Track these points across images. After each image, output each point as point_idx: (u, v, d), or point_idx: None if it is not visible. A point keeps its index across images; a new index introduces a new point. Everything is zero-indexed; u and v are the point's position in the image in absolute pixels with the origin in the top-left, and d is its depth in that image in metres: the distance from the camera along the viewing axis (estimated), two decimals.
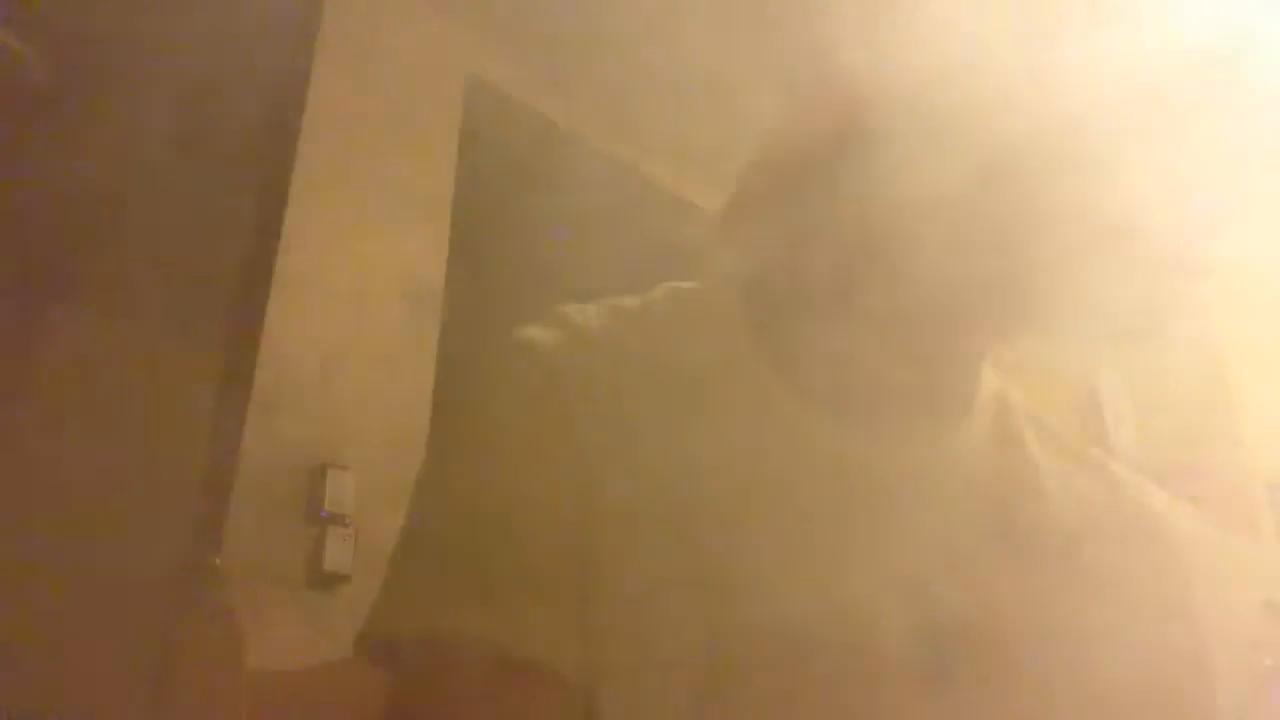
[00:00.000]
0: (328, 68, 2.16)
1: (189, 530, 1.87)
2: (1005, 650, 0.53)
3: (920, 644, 0.51)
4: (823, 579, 0.52)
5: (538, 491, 0.52)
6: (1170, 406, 3.28)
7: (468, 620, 0.49)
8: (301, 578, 1.82)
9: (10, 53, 2.45)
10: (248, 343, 1.91)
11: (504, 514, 0.51)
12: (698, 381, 0.56)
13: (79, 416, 3.42)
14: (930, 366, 0.57)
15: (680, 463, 0.53)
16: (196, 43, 2.40)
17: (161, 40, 2.40)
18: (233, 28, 2.32)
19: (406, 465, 0.73)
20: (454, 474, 0.54)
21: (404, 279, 2.17)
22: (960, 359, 0.59)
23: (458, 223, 2.31)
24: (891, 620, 0.51)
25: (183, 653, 0.71)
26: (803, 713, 0.49)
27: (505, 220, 2.95)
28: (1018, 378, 0.64)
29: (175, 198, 2.97)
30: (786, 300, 0.58)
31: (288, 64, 2.22)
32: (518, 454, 0.53)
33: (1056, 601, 0.55)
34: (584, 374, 0.55)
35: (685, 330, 0.59)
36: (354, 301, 2.06)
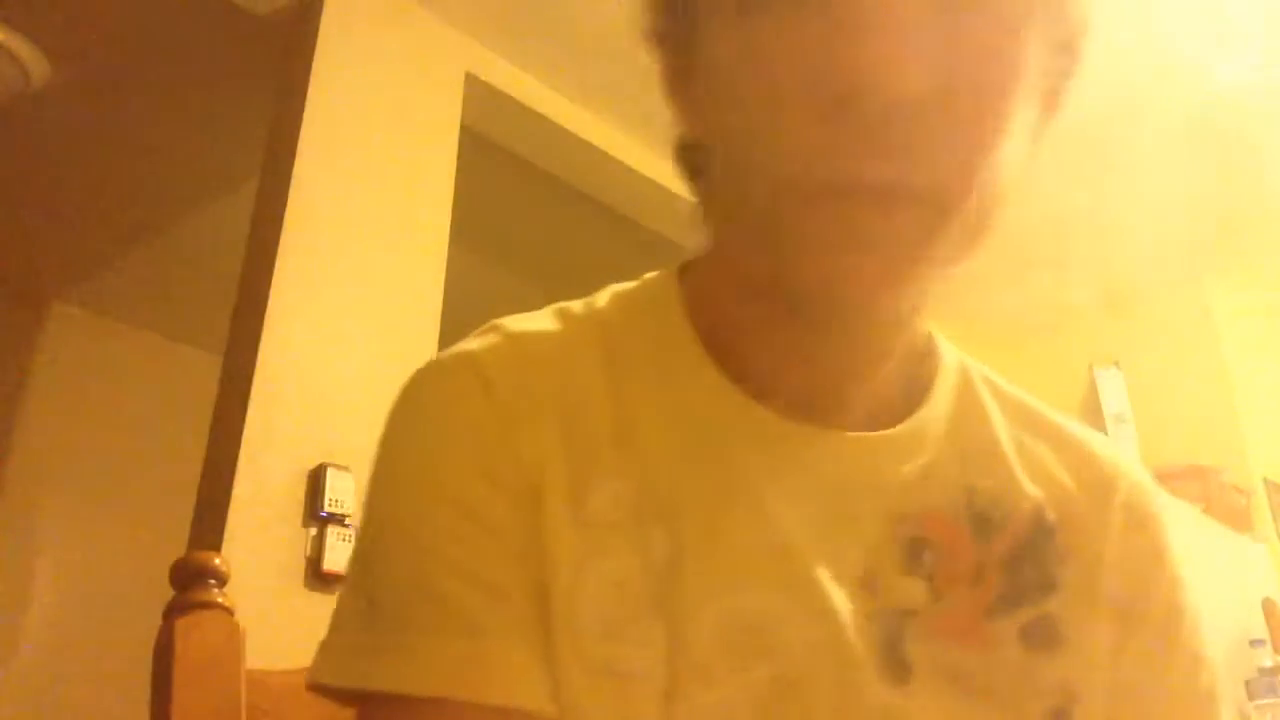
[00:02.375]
0: (328, 68, 2.16)
1: (189, 530, 1.88)
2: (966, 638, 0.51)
3: (877, 634, 0.49)
4: (781, 573, 0.50)
5: (484, 512, 0.49)
6: (1170, 407, 3.28)
7: (422, 668, 0.46)
8: (301, 578, 1.82)
9: (10, 53, 2.45)
10: (248, 343, 1.91)
11: (452, 535, 0.48)
12: (645, 382, 0.54)
13: (79, 416, 3.42)
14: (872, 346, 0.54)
15: (631, 466, 0.51)
16: (196, 43, 2.40)
17: (162, 40, 2.40)
18: (232, 28, 2.32)
19: None
20: (393, 500, 0.51)
21: (404, 279, 2.17)
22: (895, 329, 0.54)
23: (458, 222, 2.31)
24: (849, 613, 0.49)
25: (183, 652, 0.70)
26: (771, 709, 0.47)
27: (505, 220, 2.95)
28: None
29: (175, 197, 2.97)
30: (730, 287, 0.55)
31: (288, 63, 2.22)
32: (462, 475, 0.50)
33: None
34: (524, 385, 0.52)
35: (629, 331, 0.56)
36: (354, 301, 2.06)
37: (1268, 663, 2.71)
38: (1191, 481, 3.03)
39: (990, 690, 0.50)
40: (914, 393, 0.56)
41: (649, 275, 0.60)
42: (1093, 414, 2.98)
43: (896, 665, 0.49)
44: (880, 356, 0.54)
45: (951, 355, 0.60)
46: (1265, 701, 2.66)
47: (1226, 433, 3.37)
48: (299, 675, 0.80)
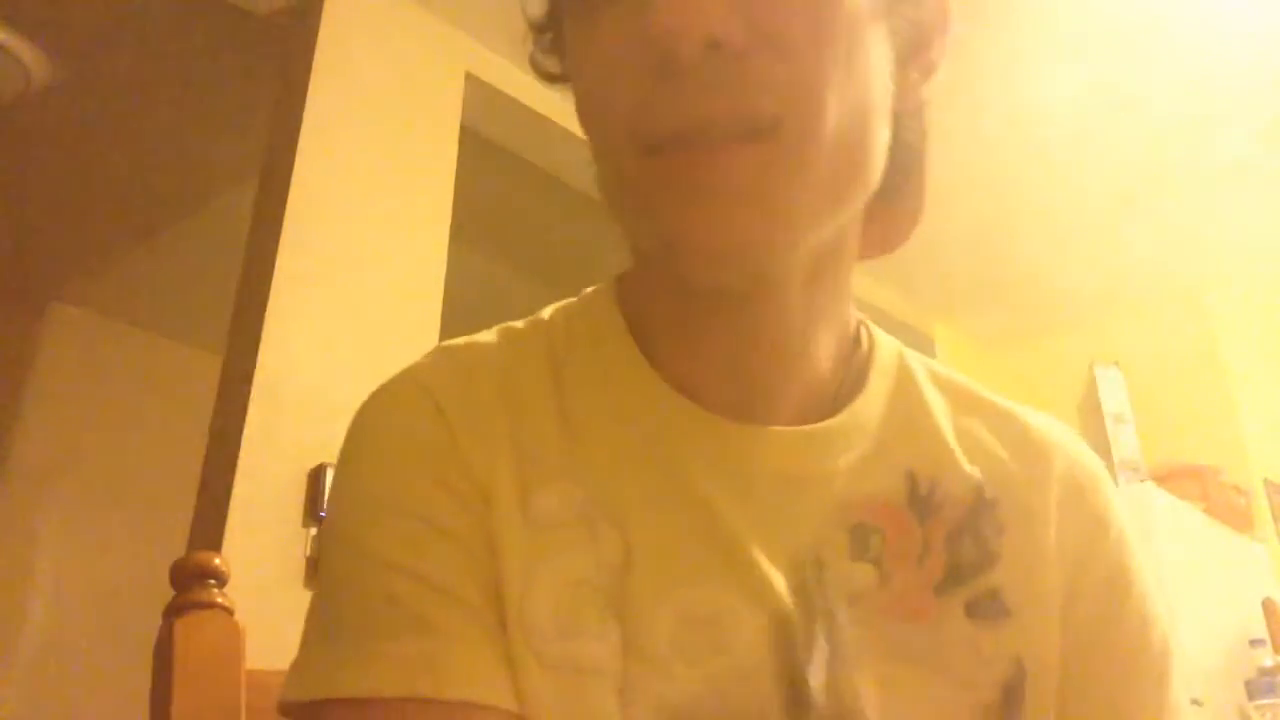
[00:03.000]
0: (328, 68, 2.16)
1: (189, 530, 1.88)
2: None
3: (825, 621, 0.51)
4: (730, 568, 0.50)
5: (438, 519, 0.50)
6: (1170, 407, 3.28)
7: (383, 671, 0.47)
8: (301, 578, 1.82)
9: (10, 53, 2.45)
10: (248, 343, 1.91)
11: (407, 543, 0.49)
12: (588, 387, 0.55)
13: (79, 416, 3.42)
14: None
15: (579, 469, 0.52)
16: (196, 43, 2.40)
17: (161, 40, 2.40)
18: (232, 28, 2.32)
19: None
20: (350, 517, 0.52)
21: (404, 279, 2.17)
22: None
23: (458, 222, 2.31)
24: (799, 602, 0.50)
25: (182, 653, 0.70)
26: (727, 699, 0.48)
27: (505, 220, 2.95)
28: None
29: (175, 197, 2.97)
30: (660, 295, 0.56)
31: (288, 63, 2.22)
32: (415, 485, 0.51)
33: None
34: (470, 397, 0.53)
35: (571, 340, 0.57)
36: (354, 301, 2.06)
37: (1268, 663, 2.71)
38: (1191, 481, 3.03)
39: (942, 665, 0.51)
40: (849, 385, 0.57)
41: (590, 289, 0.62)
42: (1093, 414, 2.98)
43: (848, 649, 0.50)
44: (804, 348, 0.55)
45: (888, 346, 0.61)
46: (1265, 701, 2.66)
47: (1226, 433, 3.37)
48: None
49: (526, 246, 3.13)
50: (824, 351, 0.56)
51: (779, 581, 0.50)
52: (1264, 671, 2.70)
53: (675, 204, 0.46)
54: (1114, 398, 2.92)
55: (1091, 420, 3.00)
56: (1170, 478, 2.96)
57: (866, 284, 3.04)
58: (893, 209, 0.60)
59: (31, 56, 2.48)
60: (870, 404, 0.57)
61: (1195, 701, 2.57)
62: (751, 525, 0.52)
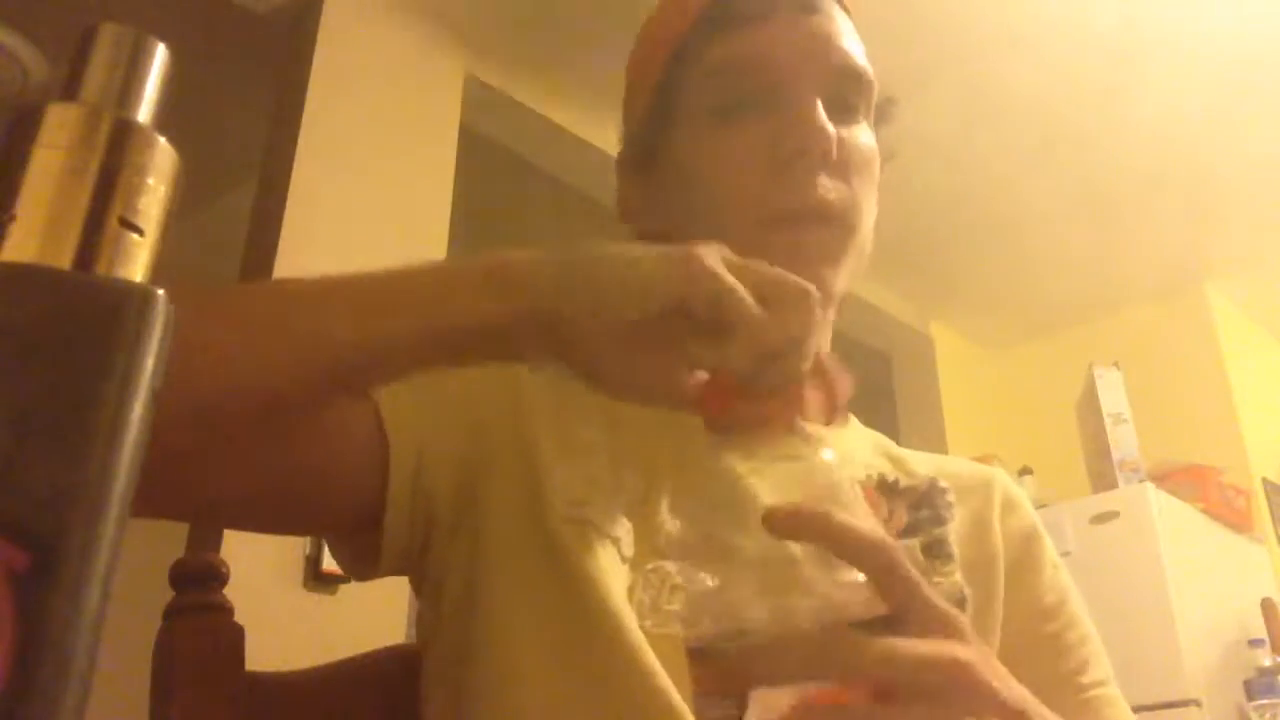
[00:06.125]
0: (328, 68, 2.16)
1: (188, 530, 1.87)
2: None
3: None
4: (738, 503, 0.63)
5: (469, 399, 0.68)
6: (1170, 407, 3.28)
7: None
8: (301, 578, 1.82)
9: (10, 53, 2.45)
10: None
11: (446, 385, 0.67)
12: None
13: None
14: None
15: (613, 433, 0.70)
16: (196, 43, 2.40)
17: (161, 40, 2.40)
18: (232, 27, 2.32)
19: None
20: None
21: None
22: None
23: (457, 223, 2.31)
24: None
25: (183, 653, 0.70)
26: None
27: (505, 220, 2.95)
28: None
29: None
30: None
31: (288, 63, 2.23)
32: (470, 381, 0.69)
33: None
34: (525, 380, 0.71)
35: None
36: None
37: (1267, 663, 2.71)
38: (1191, 481, 3.03)
39: None
40: (834, 405, 0.77)
41: None
42: (1092, 414, 2.98)
43: (830, 561, 0.62)
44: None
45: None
46: (1265, 701, 2.66)
47: (1226, 433, 3.37)
48: (299, 675, 0.80)
49: (525, 246, 3.13)
50: (821, 365, 0.73)
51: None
52: (1263, 671, 2.70)
53: (781, 260, 0.62)
54: (1113, 398, 2.91)
55: (1091, 420, 3.00)
56: (1170, 478, 2.96)
57: (867, 284, 3.04)
58: None
59: (29, 56, 2.48)
60: (850, 429, 0.79)
61: (1194, 702, 2.57)
62: (758, 482, 0.64)
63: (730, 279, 0.54)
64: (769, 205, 0.68)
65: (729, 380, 0.57)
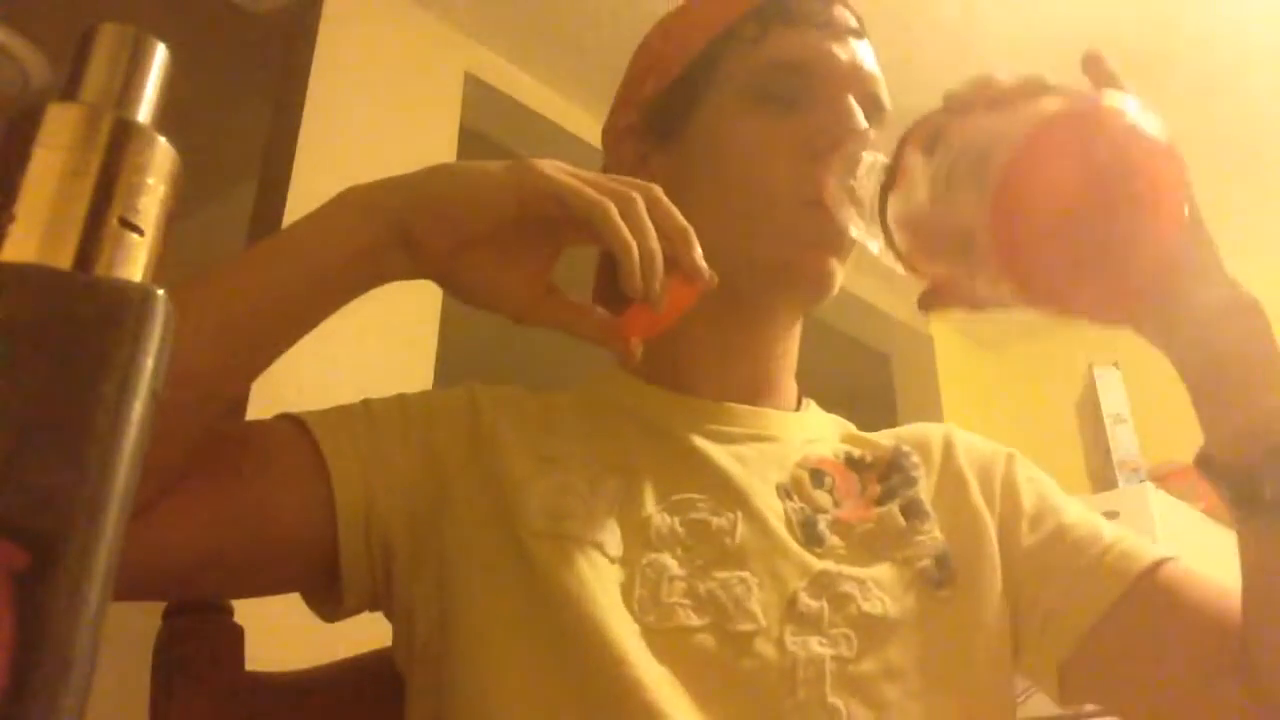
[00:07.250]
0: (328, 68, 2.16)
1: None
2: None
3: (798, 522, 0.73)
4: (722, 488, 0.72)
5: (418, 431, 0.73)
6: (1170, 407, 3.27)
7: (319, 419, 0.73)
8: None
9: (10, 53, 2.45)
10: None
11: (392, 413, 0.74)
12: (603, 406, 0.79)
13: None
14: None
15: (590, 441, 0.74)
16: (195, 42, 2.40)
17: (161, 40, 2.40)
18: (232, 27, 2.32)
19: None
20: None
21: (402, 281, 2.17)
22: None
23: None
24: (776, 511, 0.72)
25: (182, 653, 0.70)
26: (715, 569, 0.67)
27: None
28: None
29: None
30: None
31: (288, 63, 2.23)
32: (429, 405, 0.75)
33: None
34: (500, 398, 0.77)
35: (585, 391, 0.82)
36: (352, 303, 2.06)
37: None
38: (1191, 482, 3.03)
39: (886, 549, 0.72)
40: (801, 402, 0.85)
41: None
42: (1092, 414, 2.98)
43: (814, 538, 0.71)
44: (784, 355, 0.83)
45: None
46: None
47: None
48: (299, 675, 0.80)
49: None
50: (789, 375, 0.84)
51: (762, 498, 0.71)
52: None
53: (806, 239, 0.74)
54: (1113, 398, 2.91)
55: (1090, 420, 3.00)
56: (1170, 478, 2.96)
57: (867, 284, 3.04)
58: None
59: (29, 57, 2.48)
60: (811, 413, 0.85)
61: None
62: (739, 468, 0.72)
63: (568, 179, 0.57)
64: (802, 192, 0.73)
65: (637, 306, 0.59)
